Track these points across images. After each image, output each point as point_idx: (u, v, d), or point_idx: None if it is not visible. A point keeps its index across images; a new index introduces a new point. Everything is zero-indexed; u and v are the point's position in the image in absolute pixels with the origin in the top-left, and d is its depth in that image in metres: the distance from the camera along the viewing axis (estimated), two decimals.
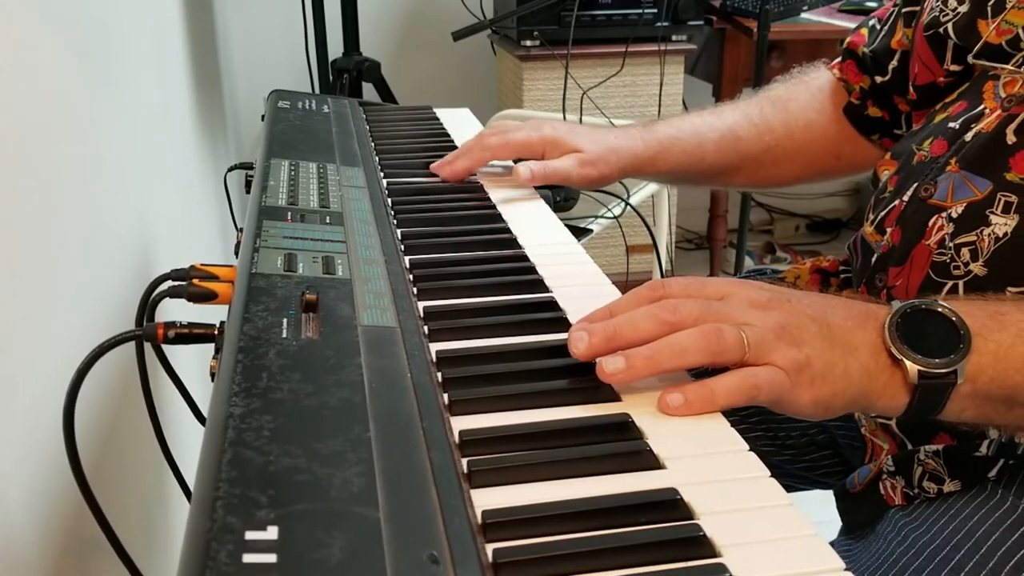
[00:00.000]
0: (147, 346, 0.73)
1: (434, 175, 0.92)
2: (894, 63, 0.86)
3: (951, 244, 0.65)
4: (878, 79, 0.88)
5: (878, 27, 0.89)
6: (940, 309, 0.55)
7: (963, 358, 0.53)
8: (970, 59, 0.72)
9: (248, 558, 0.34)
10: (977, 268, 0.64)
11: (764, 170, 0.95)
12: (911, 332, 0.54)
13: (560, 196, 0.92)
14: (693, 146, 0.92)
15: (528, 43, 2.07)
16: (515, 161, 0.91)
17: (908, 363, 0.53)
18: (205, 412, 0.48)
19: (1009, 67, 0.68)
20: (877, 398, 0.55)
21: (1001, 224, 0.63)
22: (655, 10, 2.08)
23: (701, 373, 0.54)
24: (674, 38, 2.14)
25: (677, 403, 0.51)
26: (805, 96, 0.95)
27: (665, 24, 2.09)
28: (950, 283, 0.65)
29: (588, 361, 0.54)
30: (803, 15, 2.34)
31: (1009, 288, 0.62)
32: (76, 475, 0.61)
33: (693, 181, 0.99)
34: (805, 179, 0.97)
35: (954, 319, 0.55)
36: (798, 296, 0.56)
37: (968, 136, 0.67)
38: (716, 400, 0.52)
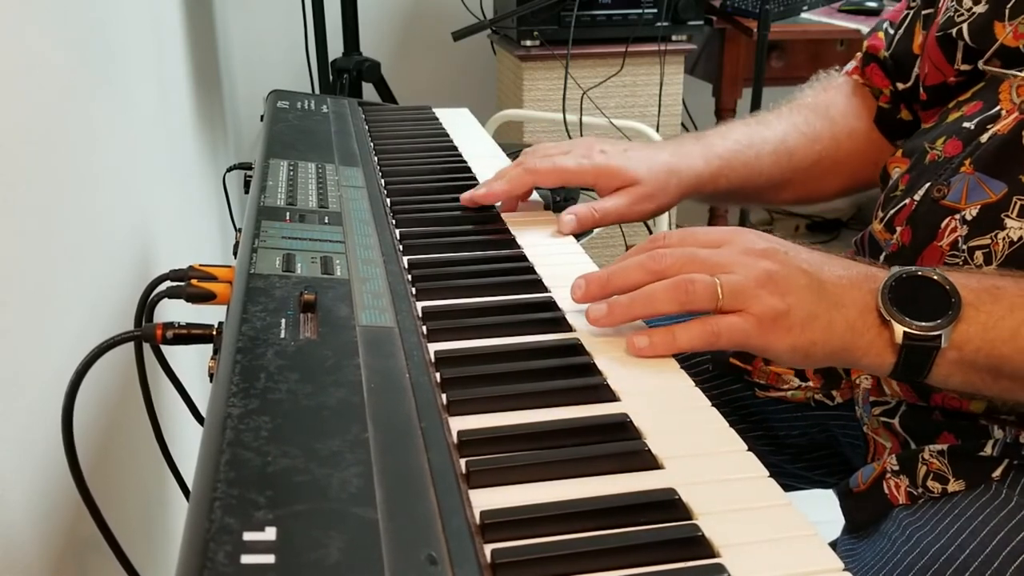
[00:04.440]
0: (146, 347, 0.73)
1: (432, 175, 0.92)
2: (916, 69, 0.83)
3: (964, 247, 0.65)
4: (900, 85, 0.86)
5: (891, 31, 0.87)
6: (936, 277, 0.57)
7: (949, 324, 0.55)
8: (981, 65, 0.71)
9: (246, 559, 0.34)
10: (990, 272, 0.63)
11: (813, 183, 0.91)
12: (903, 296, 0.56)
13: (560, 196, 0.91)
14: (751, 158, 0.87)
15: (528, 43, 2.07)
16: (556, 197, 0.86)
17: (895, 324, 0.56)
18: (204, 412, 0.48)
19: (1022, 75, 0.67)
20: (862, 355, 0.57)
21: (1016, 228, 0.63)
22: (655, 10, 2.07)
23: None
24: (674, 38, 2.14)
25: (643, 344, 0.57)
26: (842, 103, 0.91)
27: (665, 24, 2.09)
28: None
29: (584, 304, 0.61)
30: (803, 15, 2.34)
31: None
32: (74, 475, 0.61)
33: (742, 200, 0.94)
34: (848, 191, 0.93)
35: (947, 287, 0.56)
36: (797, 249, 0.59)
37: (984, 137, 0.66)
38: (678, 343, 0.57)
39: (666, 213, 1.88)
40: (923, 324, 0.55)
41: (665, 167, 0.82)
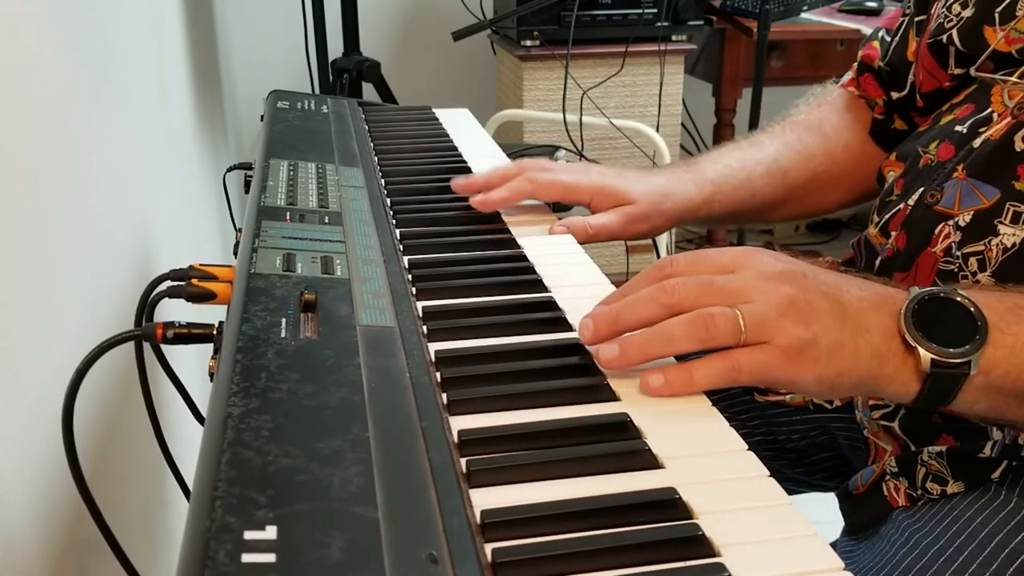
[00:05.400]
0: (146, 346, 0.73)
1: (432, 175, 0.92)
2: (911, 76, 0.83)
3: (958, 253, 0.64)
4: (894, 95, 0.86)
5: (888, 39, 0.87)
6: (959, 299, 0.54)
7: (978, 349, 0.53)
8: (973, 72, 0.71)
9: (247, 558, 0.34)
10: (984, 278, 0.63)
11: (810, 199, 0.91)
12: (927, 319, 0.53)
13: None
14: (743, 181, 0.87)
15: (528, 43, 2.08)
16: (552, 207, 0.85)
17: (921, 351, 0.53)
18: (204, 412, 0.48)
19: (1013, 79, 0.67)
20: (887, 383, 0.54)
21: (1009, 234, 0.62)
22: (655, 10, 2.08)
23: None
24: (674, 38, 2.14)
25: (658, 384, 0.52)
26: (835, 117, 0.91)
27: (665, 24, 2.09)
28: None
29: (594, 345, 0.55)
30: (803, 15, 2.34)
31: None
32: (75, 475, 0.61)
33: (741, 220, 0.92)
34: (848, 203, 0.93)
35: (972, 310, 0.54)
36: (814, 271, 0.56)
37: (976, 142, 0.66)
38: (695, 383, 0.52)
39: None
40: (951, 351, 0.52)
41: (660, 189, 0.83)
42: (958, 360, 0.53)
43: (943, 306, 0.54)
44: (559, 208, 0.89)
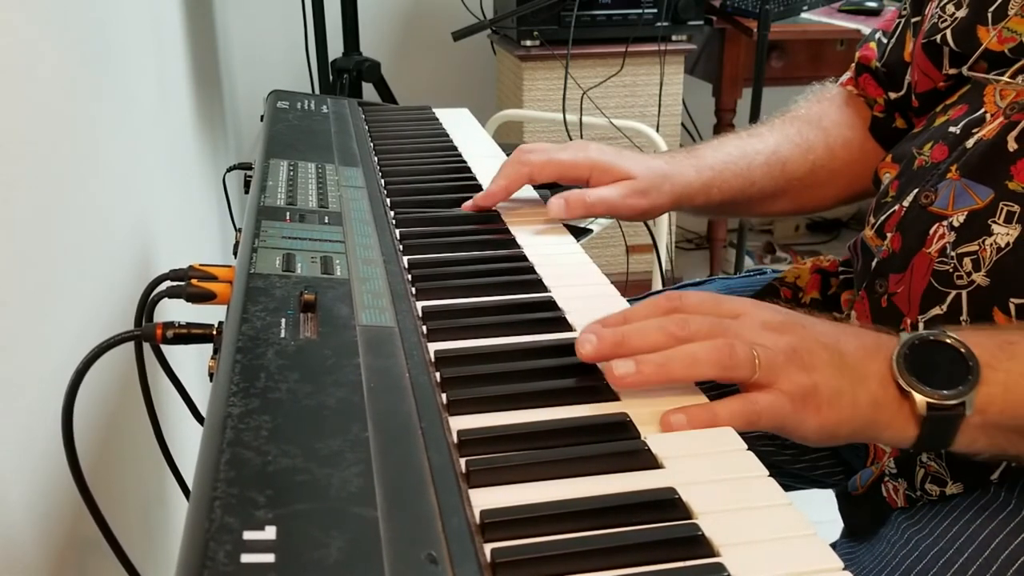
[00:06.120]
0: (146, 346, 0.73)
1: (432, 175, 0.92)
2: (908, 77, 0.83)
3: (953, 253, 0.64)
4: (892, 95, 0.86)
5: (884, 40, 0.87)
6: (948, 340, 0.54)
7: (971, 389, 0.53)
8: (965, 71, 0.71)
9: (246, 558, 0.34)
10: (979, 278, 0.63)
11: (809, 192, 0.91)
12: (919, 363, 0.54)
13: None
14: (743, 169, 0.87)
15: (528, 43, 2.08)
16: (551, 188, 0.85)
17: (916, 395, 0.53)
18: (204, 412, 0.48)
19: (1004, 79, 0.67)
20: (884, 428, 0.54)
21: (1003, 234, 0.62)
22: (655, 10, 2.08)
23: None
24: (674, 38, 2.14)
25: (680, 424, 0.51)
26: (835, 113, 0.91)
27: (665, 24, 2.09)
28: (953, 292, 0.64)
29: (592, 363, 0.54)
30: (803, 15, 2.34)
31: (1012, 299, 0.62)
32: (74, 475, 0.61)
33: (739, 210, 0.92)
34: (844, 201, 0.93)
35: (962, 350, 0.54)
36: (812, 322, 0.56)
37: (969, 143, 0.66)
38: (718, 423, 0.51)
39: (666, 215, 1.89)
40: (945, 393, 0.52)
41: (659, 170, 0.83)
42: (953, 401, 0.52)
43: (934, 349, 0.54)
44: None
